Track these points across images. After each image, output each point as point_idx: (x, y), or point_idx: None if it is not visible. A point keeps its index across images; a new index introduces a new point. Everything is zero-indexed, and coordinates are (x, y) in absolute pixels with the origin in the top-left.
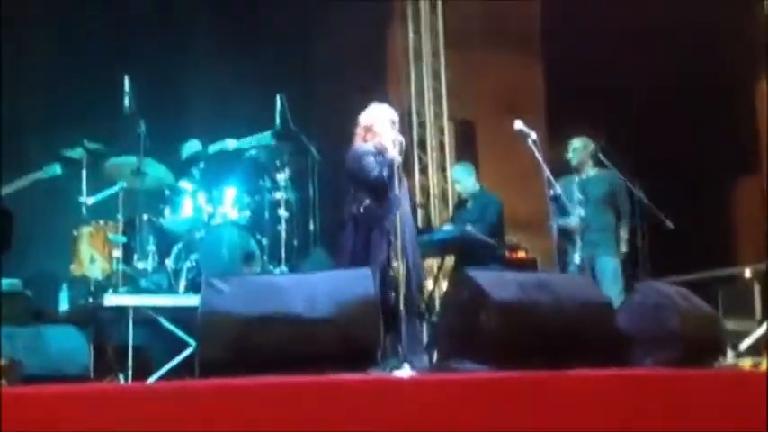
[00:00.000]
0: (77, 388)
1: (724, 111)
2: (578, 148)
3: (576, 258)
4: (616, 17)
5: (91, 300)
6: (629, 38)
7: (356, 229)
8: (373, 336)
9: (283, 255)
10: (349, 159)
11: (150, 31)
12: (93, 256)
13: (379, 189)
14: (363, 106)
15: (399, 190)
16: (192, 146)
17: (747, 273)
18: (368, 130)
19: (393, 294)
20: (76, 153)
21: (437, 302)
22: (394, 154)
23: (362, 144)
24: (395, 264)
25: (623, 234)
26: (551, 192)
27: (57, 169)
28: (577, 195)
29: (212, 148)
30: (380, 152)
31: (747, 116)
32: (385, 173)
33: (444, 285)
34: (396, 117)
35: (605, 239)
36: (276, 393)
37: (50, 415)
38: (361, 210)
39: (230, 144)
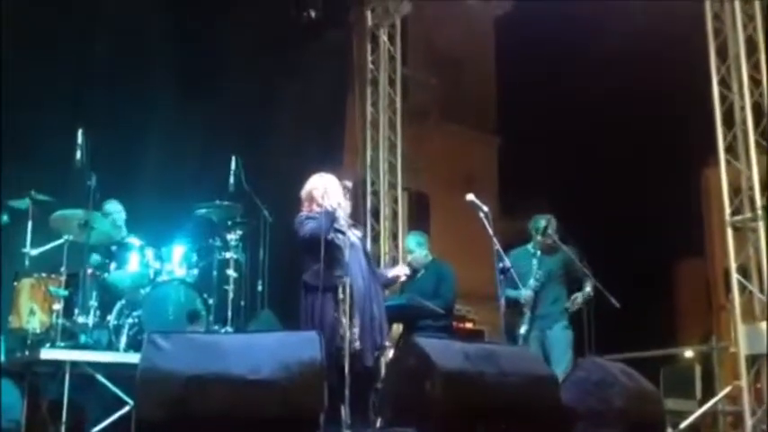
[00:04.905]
0: None
1: (672, 194)
2: (552, 228)
3: (522, 329)
4: (571, 95)
5: (27, 353)
6: (584, 116)
7: (306, 295)
8: (317, 401)
9: (230, 315)
10: (295, 229)
11: (108, 86)
12: (32, 309)
13: (327, 253)
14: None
15: (350, 252)
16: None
17: (689, 354)
18: (309, 199)
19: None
20: (23, 203)
21: (383, 368)
22: (336, 214)
23: (305, 212)
24: (344, 322)
25: (588, 288)
26: (500, 264)
27: (4, 218)
28: (536, 269)
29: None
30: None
31: (694, 201)
32: (325, 234)
33: (391, 352)
34: (334, 182)
35: (557, 310)
36: None
37: None
38: (309, 275)
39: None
